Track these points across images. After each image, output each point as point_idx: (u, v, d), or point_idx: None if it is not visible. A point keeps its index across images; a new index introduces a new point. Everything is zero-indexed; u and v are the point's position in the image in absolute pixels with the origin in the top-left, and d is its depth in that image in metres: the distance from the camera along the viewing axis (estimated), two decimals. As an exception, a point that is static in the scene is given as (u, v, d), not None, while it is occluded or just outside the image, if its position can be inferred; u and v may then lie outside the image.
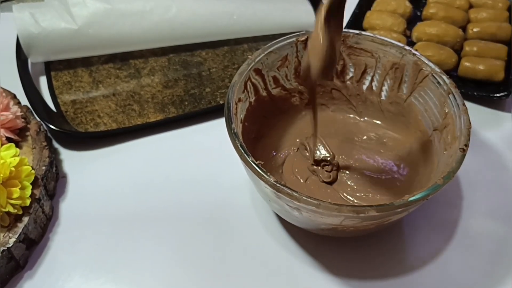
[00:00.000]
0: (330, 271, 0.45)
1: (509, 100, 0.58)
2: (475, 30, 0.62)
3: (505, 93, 0.56)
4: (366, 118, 0.52)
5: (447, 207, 0.49)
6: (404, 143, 0.49)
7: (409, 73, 0.47)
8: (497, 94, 0.56)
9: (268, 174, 0.38)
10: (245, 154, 0.39)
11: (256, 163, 0.39)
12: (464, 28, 0.63)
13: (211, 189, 0.50)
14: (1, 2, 0.66)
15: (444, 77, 0.44)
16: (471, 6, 0.66)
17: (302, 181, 0.47)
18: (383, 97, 0.50)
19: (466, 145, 0.40)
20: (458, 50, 0.61)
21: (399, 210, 0.37)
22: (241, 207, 0.49)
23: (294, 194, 0.37)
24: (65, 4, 0.58)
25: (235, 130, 0.41)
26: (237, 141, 0.40)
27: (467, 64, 0.58)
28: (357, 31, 0.49)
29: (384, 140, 0.50)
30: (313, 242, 0.46)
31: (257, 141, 0.49)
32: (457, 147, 0.40)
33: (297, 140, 0.51)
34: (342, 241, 0.46)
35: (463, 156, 0.39)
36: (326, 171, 0.48)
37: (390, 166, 0.48)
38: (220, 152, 0.53)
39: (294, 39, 0.48)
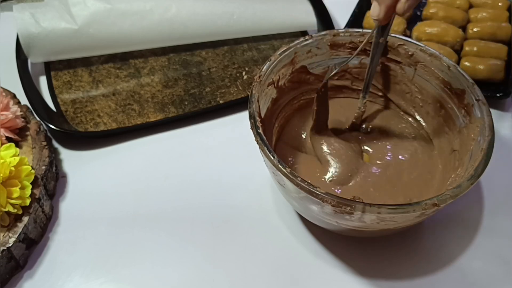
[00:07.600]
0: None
1: (509, 100, 0.58)
2: (475, 30, 0.62)
3: (505, 93, 0.56)
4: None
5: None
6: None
7: None
8: (497, 94, 0.56)
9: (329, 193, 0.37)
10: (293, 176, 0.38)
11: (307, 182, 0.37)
12: (464, 28, 0.63)
13: (210, 189, 0.50)
14: (1, 1, 0.66)
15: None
16: (471, 6, 0.66)
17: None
18: None
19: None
20: (458, 50, 0.61)
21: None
22: (242, 206, 0.49)
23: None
24: (65, 4, 0.58)
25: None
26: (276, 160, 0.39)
27: (467, 64, 0.58)
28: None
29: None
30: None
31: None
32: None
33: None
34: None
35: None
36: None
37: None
38: (219, 151, 0.53)
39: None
